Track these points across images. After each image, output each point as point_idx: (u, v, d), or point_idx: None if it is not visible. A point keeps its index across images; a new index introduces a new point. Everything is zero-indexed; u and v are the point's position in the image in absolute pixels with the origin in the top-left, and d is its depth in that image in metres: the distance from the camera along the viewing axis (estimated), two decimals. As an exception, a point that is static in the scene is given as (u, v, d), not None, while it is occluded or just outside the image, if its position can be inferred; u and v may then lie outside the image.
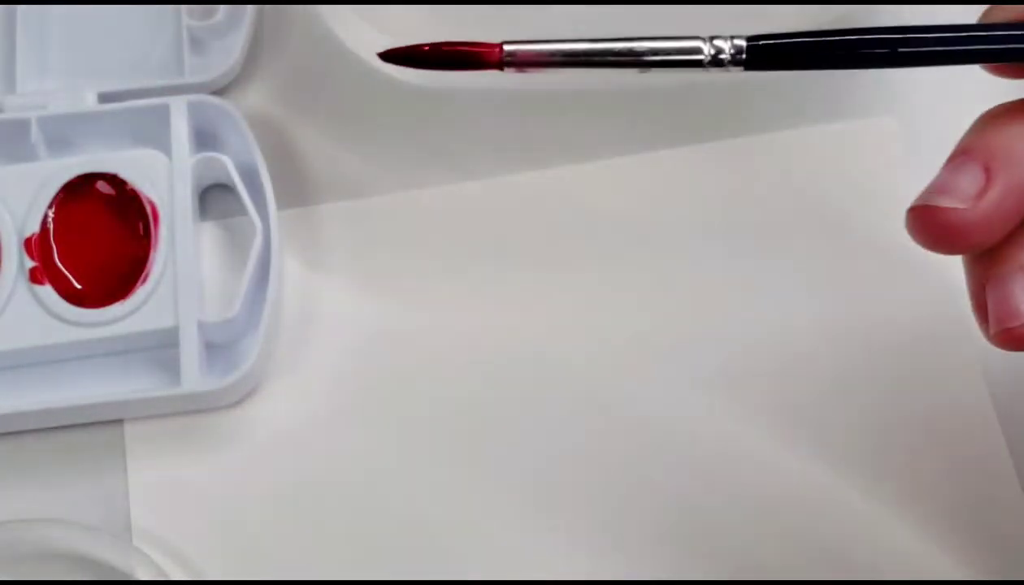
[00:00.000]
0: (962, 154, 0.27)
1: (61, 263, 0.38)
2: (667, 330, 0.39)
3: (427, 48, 0.30)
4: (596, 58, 0.28)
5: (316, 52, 0.42)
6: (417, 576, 0.36)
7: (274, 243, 0.38)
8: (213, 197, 0.40)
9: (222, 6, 0.41)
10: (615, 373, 0.38)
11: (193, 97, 0.40)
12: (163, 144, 0.39)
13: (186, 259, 0.38)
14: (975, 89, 0.41)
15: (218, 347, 0.38)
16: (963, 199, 0.26)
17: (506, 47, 0.29)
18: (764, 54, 0.28)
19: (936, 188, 0.27)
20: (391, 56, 0.30)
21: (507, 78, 0.42)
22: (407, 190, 0.40)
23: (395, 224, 0.40)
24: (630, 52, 0.28)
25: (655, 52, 0.28)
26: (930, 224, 0.26)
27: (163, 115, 0.39)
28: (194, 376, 0.37)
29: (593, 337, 0.38)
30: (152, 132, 0.40)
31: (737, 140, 0.41)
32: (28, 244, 0.38)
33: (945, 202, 0.26)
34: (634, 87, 0.42)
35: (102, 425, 0.37)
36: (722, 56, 0.27)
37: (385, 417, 0.38)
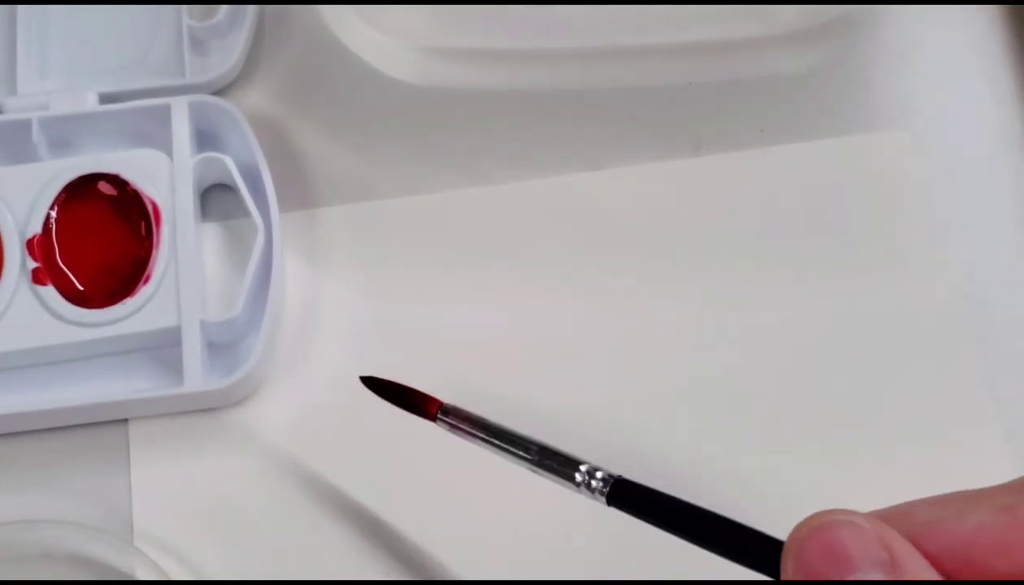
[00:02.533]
0: None
1: (63, 263, 0.38)
2: (672, 339, 0.39)
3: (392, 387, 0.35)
4: (504, 445, 0.32)
5: (317, 52, 0.42)
6: (417, 576, 0.36)
7: (276, 243, 0.38)
8: (214, 197, 0.40)
9: (223, 6, 0.41)
10: (618, 377, 0.38)
11: (194, 97, 0.40)
12: (164, 144, 0.39)
13: (188, 259, 0.38)
14: (986, 104, 0.42)
15: (220, 347, 0.38)
16: None
17: (441, 412, 0.33)
18: (623, 496, 0.29)
19: None
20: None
21: (511, 80, 0.42)
22: (410, 193, 0.40)
23: (397, 226, 0.40)
24: (527, 449, 0.31)
25: (545, 459, 0.31)
26: None
27: (164, 115, 0.39)
28: (196, 376, 0.37)
29: (596, 343, 0.39)
30: (153, 132, 0.40)
31: (749, 152, 0.41)
32: (30, 245, 0.38)
33: None
34: (644, 98, 0.42)
35: (105, 425, 0.38)
36: (592, 485, 0.29)
37: (386, 417, 0.38)
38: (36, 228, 0.38)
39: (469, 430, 0.33)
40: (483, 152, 0.41)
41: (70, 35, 0.42)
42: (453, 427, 0.34)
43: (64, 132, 0.40)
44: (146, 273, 0.38)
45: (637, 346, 0.39)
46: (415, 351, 0.39)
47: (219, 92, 0.41)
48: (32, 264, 0.38)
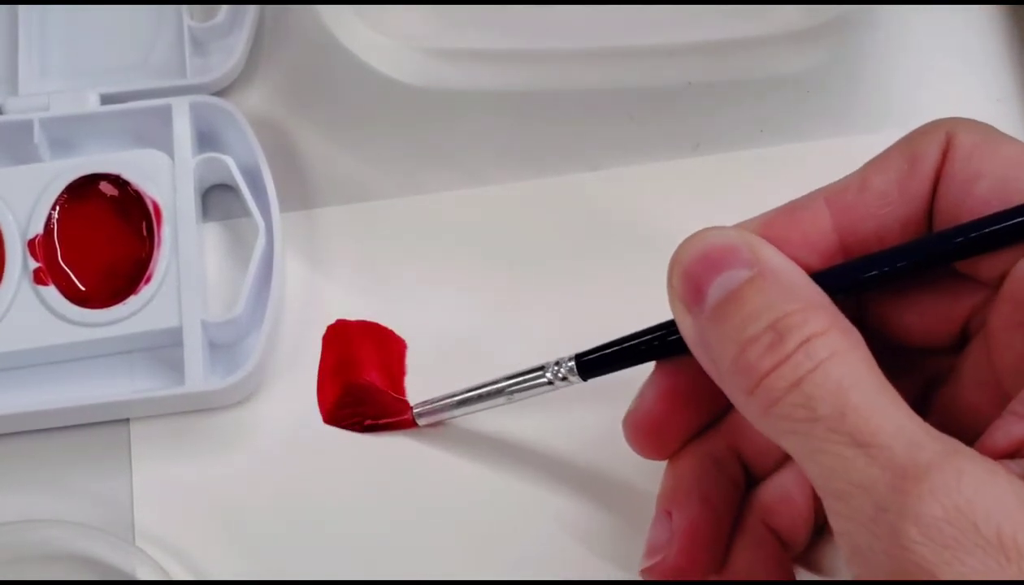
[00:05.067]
0: (655, 513, 0.32)
1: (65, 264, 0.38)
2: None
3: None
4: (475, 397, 0.35)
5: (317, 53, 0.42)
6: (417, 576, 0.36)
7: (276, 243, 0.38)
8: (215, 197, 0.40)
9: (223, 7, 0.41)
10: (618, 376, 0.38)
11: (195, 98, 0.40)
12: (165, 145, 0.39)
13: (189, 259, 0.38)
14: (986, 104, 0.42)
15: (221, 347, 0.38)
16: (658, 551, 0.32)
17: (416, 412, 0.37)
18: (590, 365, 0.32)
19: (645, 551, 0.32)
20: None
21: (511, 80, 0.42)
22: (410, 193, 0.40)
23: (397, 226, 0.40)
24: (497, 390, 0.34)
25: (514, 383, 0.34)
26: (651, 576, 0.32)
27: (165, 116, 0.39)
28: (198, 376, 0.37)
29: (596, 342, 0.38)
30: (154, 133, 0.40)
31: (749, 152, 0.41)
32: (32, 245, 0.38)
33: (646, 562, 0.32)
34: (644, 98, 0.42)
35: (106, 425, 0.38)
36: (560, 372, 0.33)
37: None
38: (37, 228, 0.38)
39: (444, 410, 0.36)
40: (483, 152, 0.41)
41: (71, 36, 0.42)
42: (433, 420, 0.37)
43: (65, 132, 0.40)
44: (147, 273, 0.38)
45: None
46: (415, 350, 0.39)
47: (220, 93, 0.41)
48: (34, 264, 0.38)
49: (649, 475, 0.34)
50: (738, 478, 0.32)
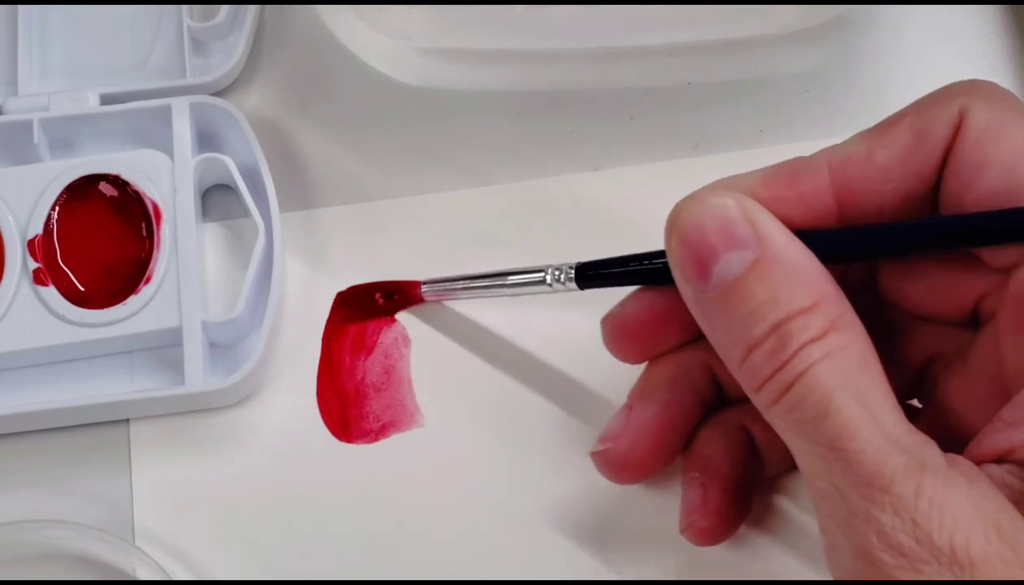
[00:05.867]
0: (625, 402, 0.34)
1: (64, 264, 0.38)
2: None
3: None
4: (480, 284, 0.37)
5: (316, 53, 0.42)
6: (417, 576, 0.36)
7: (276, 243, 0.38)
8: (215, 198, 0.41)
9: (223, 7, 0.41)
10: (619, 375, 0.38)
11: (195, 98, 0.40)
12: (165, 145, 0.39)
13: (189, 259, 0.38)
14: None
15: (221, 347, 0.38)
16: (610, 439, 0.33)
17: (424, 289, 0.38)
18: (588, 275, 0.33)
19: (599, 437, 0.34)
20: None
21: (511, 80, 0.42)
22: (410, 193, 0.40)
23: (397, 226, 0.40)
24: (500, 280, 0.36)
25: (516, 276, 0.35)
26: (599, 467, 0.34)
27: (165, 116, 0.39)
28: (198, 376, 0.37)
29: (596, 341, 0.38)
30: (154, 133, 0.40)
31: (749, 152, 0.41)
32: (31, 245, 0.38)
33: (597, 447, 0.33)
34: (644, 98, 0.42)
35: (106, 425, 0.38)
36: (560, 276, 0.34)
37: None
38: (37, 229, 0.38)
39: (451, 290, 0.38)
40: (483, 152, 0.41)
41: (71, 36, 0.42)
42: (438, 295, 0.38)
43: (65, 133, 0.40)
44: (147, 273, 0.38)
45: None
46: (416, 350, 0.39)
47: (220, 93, 0.41)
48: (33, 265, 0.38)
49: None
50: (705, 392, 0.33)
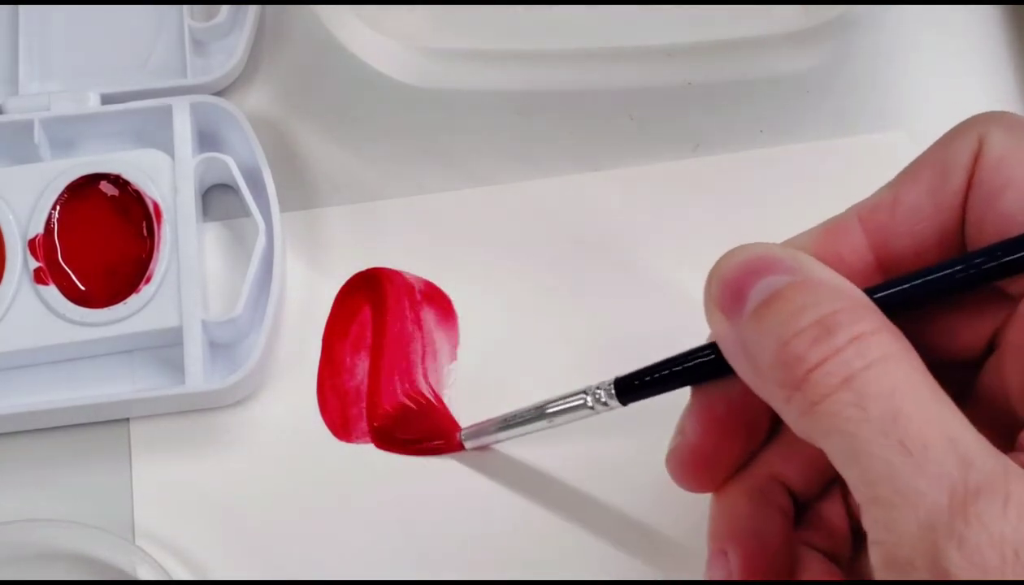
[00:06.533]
0: (710, 552, 0.31)
1: (65, 263, 0.38)
2: (672, 338, 0.39)
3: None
4: (518, 421, 0.35)
5: (317, 53, 0.42)
6: (418, 575, 0.36)
7: (277, 243, 0.38)
8: (215, 197, 0.41)
9: (224, 7, 0.41)
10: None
11: (195, 98, 0.40)
12: (166, 145, 0.39)
13: (189, 259, 0.38)
14: (986, 104, 0.42)
15: (222, 346, 0.38)
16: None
17: (465, 440, 0.37)
18: (628, 389, 0.32)
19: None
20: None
21: (511, 80, 0.42)
22: (410, 193, 0.41)
23: (397, 226, 0.40)
24: (539, 413, 0.34)
25: (554, 406, 0.34)
26: None
27: (166, 116, 0.40)
28: (198, 375, 0.37)
29: (596, 341, 0.39)
30: (155, 133, 0.40)
31: (748, 152, 0.41)
32: (32, 245, 0.38)
33: None
34: (644, 98, 0.42)
35: (106, 424, 0.38)
36: (601, 396, 0.32)
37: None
38: (38, 228, 0.38)
39: (490, 433, 0.36)
40: (483, 152, 0.41)
41: (72, 36, 0.42)
42: (478, 443, 0.37)
43: (66, 132, 0.40)
44: (147, 273, 0.38)
45: (637, 345, 0.38)
46: (415, 351, 0.39)
47: (220, 93, 0.41)
48: (34, 264, 0.38)
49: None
50: (786, 507, 0.31)
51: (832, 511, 0.31)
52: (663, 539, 0.36)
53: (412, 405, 0.38)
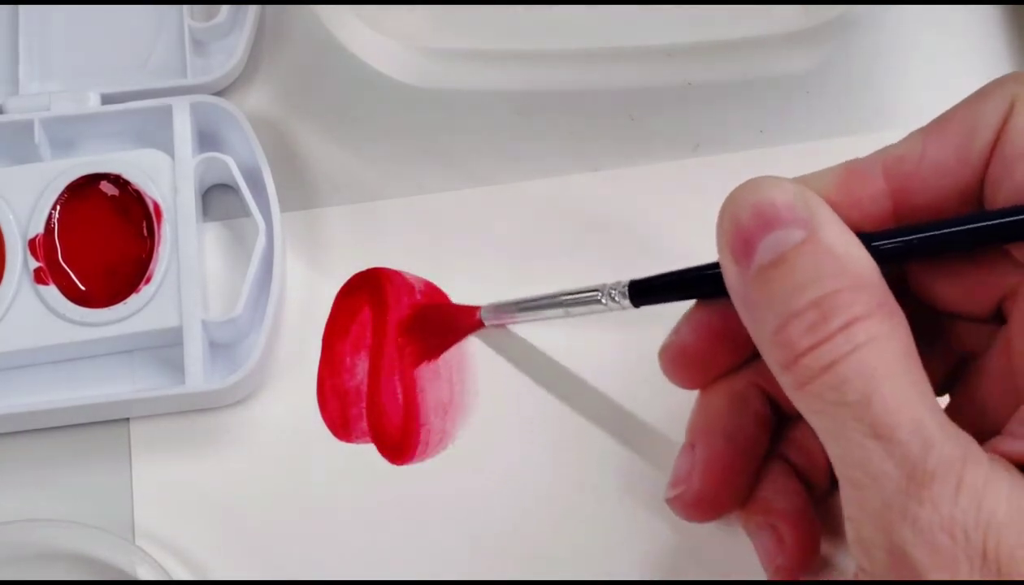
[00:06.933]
0: (683, 445, 0.32)
1: (65, 263, 0.38)
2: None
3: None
4: (535, 305, 0.36)
5: (317, 53, 0.42)
6: (418, 575, 0.36)
7: (277, 243, 0.38)
8: (216, 197, 0.41)
9: (224, 7, 0.41)
10: (618, 374, 0.38)
11: (195, 98, 0.40)
12: (166, 145, 0.39)
13: (189, 259, 0.38)
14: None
15: (222, 346, 0.38)
16: (681, 482, 0.32)
17: (484, 317, 0.38)
18: (641, 290, 0.33)
19: (669, 482, 0.32)
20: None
21: (511, 80, 0.42)
22: (410, 193, 0.41)
23: (397, 226, 0.40)
24: (556, 302, 0.36)
25: (570, 298, 0.35)
26: (677, 511, 0.32)
27: (166, 116, 0.40)
28: (198, 375, 0.37)
29: (596, 341, 0.39)
30: (155, 133, 0.40)
31: (749, 152, 0.41)
32: (32, 244, 0.38)
33: (670, 492, 0.32)
34: (644, 98, 0.42)
35: (106, 424, 0.38)
36: (614, 295, 0.33)
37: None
38: (38, 228, 0.38)
39: (509, 313, 0.37)
40: (483, 152, 0.41)
41: (72, 36, 0.42)
42: (497, 320, 0.38)
43: (66, 132, 0.40)
44: (147, 273, 0.38)
45: (636, 345, 0.38)
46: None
47: (220, 93, 0.41)
48: (34, 264, 0.38)
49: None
50: (765, 416, 0.32)
51: (813, 434, 0.31)
52: (662, 539, 0.36)
53: (426, 303, 0.39)
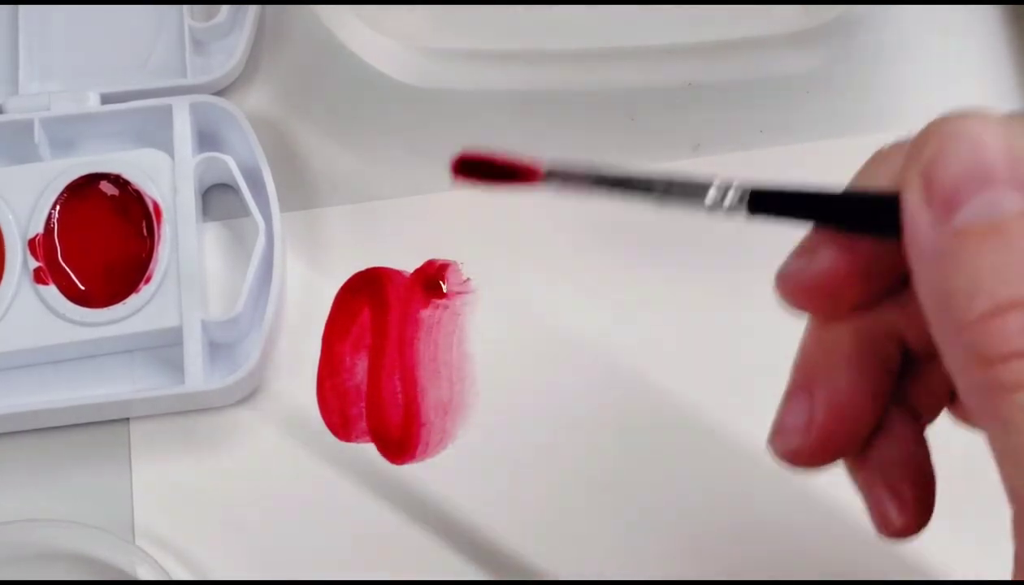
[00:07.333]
0: (791, 386, 0.27)
1: (65, 263, 0.38)
2: (672, 338, 0.39)
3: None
4: (622, 178, 0.29)
5: (317, 53, 0.42)
6: (418, 576, 0.36)
7: (277, 243, 0.38)
8: (215, 197, 0.41)
9: (224, 7, 0.41)
10: (618, 375, 0.38)
11: (195, 98, 0.40)
12: (166, 144, 0.39)
13: (189, 259, 0.38)
14: (986, 104, 0.41)
15: (221, 346, 0.38)
16: (794, 433, 0.27)
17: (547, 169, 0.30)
18: (763, 198, 0.28)
19: (774, 428, 0.27)
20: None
21: (511, 80, 0.42)
22: (410, 193, 0.41)
23: (397, 226, 0.40)
24: (649, 181, 0.29)
25: (674, 182, 0.29)
26: (788, 461, 0.27)
27: (166, 116, 0.40)
28: (198, 375, 0.37)
29: (596, 341, 0.39)
30: (155, 133, 0.40)
31: (749, 152, 0.41)
32: (32, 244, 0.38)
33: (780, 446, 0.27)
34: (644, 98, 0.42)
35: (106, 424, 0.38)
36: (729, 193, 0.28)
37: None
38: (38, 228, 0.38)
39: (578, 181, 0.30)
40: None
41: (72, 36, 0.42)
42: (563, 185, 0.30)
43: (66, 132, 0.40)
44: (147, 273, 0.38)
45: (636, 344, 0.39)
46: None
47: (220, 92, 0.41)
48: (34, 264, 0.38)
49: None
50: (896, 359, 0.27)
51: (944, 384, 0.27)
52: (663, 538, 0.36)
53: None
